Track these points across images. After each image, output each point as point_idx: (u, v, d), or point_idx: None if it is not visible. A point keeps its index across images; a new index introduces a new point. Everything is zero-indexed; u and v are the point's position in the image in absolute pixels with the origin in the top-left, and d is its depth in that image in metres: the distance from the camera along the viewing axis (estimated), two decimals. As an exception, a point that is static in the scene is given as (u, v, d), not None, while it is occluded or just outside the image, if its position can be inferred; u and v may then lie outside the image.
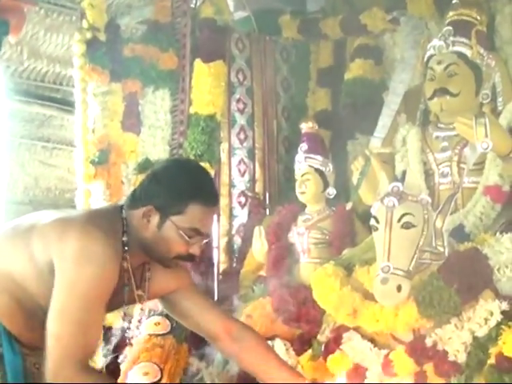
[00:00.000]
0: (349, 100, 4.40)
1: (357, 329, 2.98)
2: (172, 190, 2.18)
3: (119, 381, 3.42)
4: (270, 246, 3.91)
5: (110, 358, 3.68)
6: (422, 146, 3.60)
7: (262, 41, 4.86)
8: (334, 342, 3.03)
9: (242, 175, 4.67)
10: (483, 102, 3.50)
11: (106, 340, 3.72)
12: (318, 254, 3.81)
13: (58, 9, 4.54)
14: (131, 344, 3.57)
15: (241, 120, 4.71)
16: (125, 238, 2.21)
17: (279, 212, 4.04)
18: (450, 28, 3.50)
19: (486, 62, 3.50)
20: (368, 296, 2.90)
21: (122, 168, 4.17)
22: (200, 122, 4.24)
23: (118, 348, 3.66)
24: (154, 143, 4.32)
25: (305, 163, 3.95)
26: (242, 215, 4.60)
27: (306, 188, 3.92)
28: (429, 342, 2.76)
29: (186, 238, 2.19)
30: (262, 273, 3.99)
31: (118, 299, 2.27)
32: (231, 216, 4.58)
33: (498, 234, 3.01)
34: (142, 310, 3.59)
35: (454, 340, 2.72)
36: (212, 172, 4.15)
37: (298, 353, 3.29)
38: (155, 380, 3.34)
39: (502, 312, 2.68)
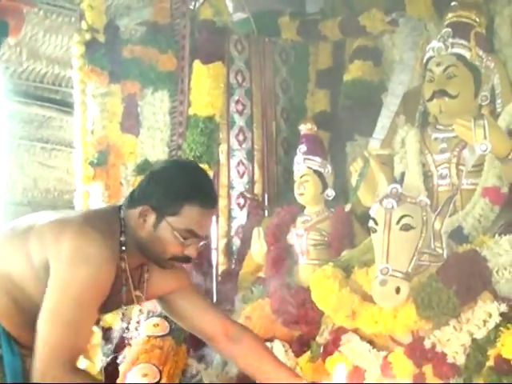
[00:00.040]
0: (348, 101, 4.40)
1: (355, 330, 2.98)
2: (168, 191, 2.18)
3: (118, 381, 3.42)
4: (269, 248, 3.91)
5: (109, 358, 3.68)
6: (420, 148, 3.59)
7: (261, 42, 4.87)
8: (333, 344, 3.03)
9: (241, 176, 4.68)
10: (482, 103, 3.50)
11: (105, 341, 3.73)
12: (317, 255, 3.81)
13: (57, 10, 4.54)
14: (130, 345, 3.57)
15: (240, 121, 4.72)
16: (123, 238, 2.21)
17: (278, 213, 4.04)
18: (449, 30, 3.51)
19: (485, 64, 3.50)
20: (367, 298, 2.90)
21: (120, 169, 4.17)
22: (199, 123, 4.25)
23: (118, 349, 3.66)
24: (153, 144, 4.32)
25: (304, 165, 3.96)
26: (240, 216, 4.61)
27: (305, 189, 3.92)
28: (427, 343, 2.76)
29: (181, 239, 2.19)
30: (261, 274, 3.99)
31: (116, 300, 2.27)
32: (230, 217, 4.59)
33: (496, 235, 3.01)
34: (140, 311, 3.61)
35: (453, 342, 2.72)
36: (211, 173, 4.16)
37: (297, 354, 3.29)
38: (154, 381, 3.34)
39: (501, 314, 2.68)
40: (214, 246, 4.45)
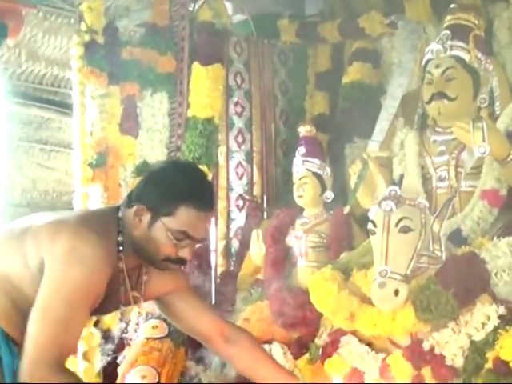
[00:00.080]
0: (347, 104, 4.41)
1: (354, 333, 2.99)
2: (164, 191, 2.17)
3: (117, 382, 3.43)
4: (268, 250, 3.91)
5: (108, 359, 3.69)
6: (419, 150, 3.60)
7: (260, 44, 4.86)
8: (332, 346, 3.04)
9: (240, 178, 4.68)
10: (481, 106, 3.50)
11: (105, 340, 3.73)
12: (316, 257, 3.81)
13: (56, 11, 4.53)
14: (129, 344, 3.58)
15: (239, 123, 4.71)
16: (120, 238, 2.21)
17: (277, 215, 4.04)
18: (448, 32, 3.51)
19: (484, 67, 3.50)
20: (365, 300, 2.91)
21: (119, 171, 4.17)
22: (198, 125, 4.24)
23: (117, 349, 3.67)
24: (152, 146, 4.31)
25: (303, 167, 3.96)
26: (239, 218, 4.60)
27: (304, 191, 3.93)
28: (426, 346, 2.76)
29: (174, 240, 2.17)
30: (260, 276, 3.99)
31: (114, 300, 2.27)
32: (229, 219, 4.59)
33: (495, 238, 3.01)
34: (139, 313, 3.61)
35: (452, 344, 2.72)
36: (210, 175, 4.16)
37: (296, 356, 3.29)
38: (153, 383, 3.35)
39: (499, 316, 2.68)
40: (212, 247, 4.45)
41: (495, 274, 2.82)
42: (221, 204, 4.53)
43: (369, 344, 2.94)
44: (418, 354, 2.76)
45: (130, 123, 4.25)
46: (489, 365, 2.61)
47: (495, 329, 2.66)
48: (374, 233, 2.86)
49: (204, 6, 4.48)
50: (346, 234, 3.75)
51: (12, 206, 5.43)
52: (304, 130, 4.05)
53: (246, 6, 4.86)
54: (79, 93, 4.08)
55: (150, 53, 4.33)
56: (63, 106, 5.09)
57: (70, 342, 2.10)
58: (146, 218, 2.18)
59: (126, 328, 3.69)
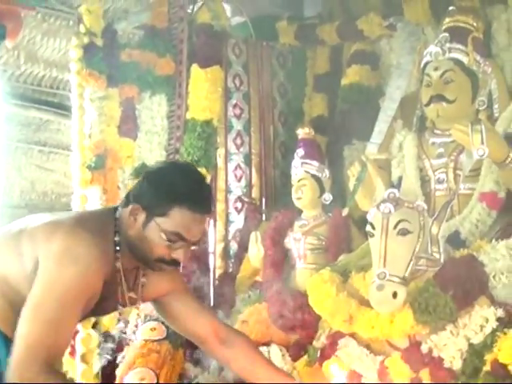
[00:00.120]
0: (345, 106, 4.41)
1: (352, 335, 2.99)
2: (159, 191, 2.16)
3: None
4: (266, 252, 3.91)
5: (108, 357, 3.69)
6: (418, 152, 3.60)
7: (259, 46, 4.86)
8: (330, 348, 3.04)
9: (239, 180, 4.68)
10: (479, 108, 3.51)
11: (104, 340, 3.73)
12: (314, 259, 3.81)
13: (55, 13, 4.52)
14: (128, 344, 3.58)
15: (237, 125, 4.72)
16: (117, 238, 2.21)
17: (275, 217, 4.04)
18: (447, 34, 3.51)
19: (483, 69, 3.51)
20: (364, 302, 2.91)
21: (118, 173, 4.16)
22: (196, 127, 4.24)
23: (117, 349, 3.67)
24: (151, 148, 4.31)
25: (301, 169, 3.96)
26: (238, 220, 4.60)
27: (303, 194, 3.93)
28: (424, 348, 2.76)
29: (166, 241, 2.16)
30: (258, 278, 3.99)
31: (112, 301, 2.27)
32: (227, 221, 4.59)
33: (493, 240, 3.02)
34: (138, 314, 3.61)
35: (450, 347, 2.72)
36: (208, 177, 4.16)
37: (294, 358, 3.29)
38: (151, 385, 3.35)
39: (498, 319, 2.69)
40: (211, 249, 4.45)
41: (493, 277, 2.82)
42: (219, 206, 4.53)
43: (367, 346, 2.94)
44: (416, 356, 2.76)
45: (128, 125, 4.25)
46: (487, 367, 2.61)
47: (493, 331, 2.66)
48: (372, 235, 2.86)
49: (203, 8, 4.48)
50: (345, 237, 3.75)
51: (10, 207, 5.43)
52: (303, 132, 4.05)
53: (244, 8, 4.86)
54: (78, 95, 4.07)
55: (149, 55, 4.32)
56: (62, 108, 5.08)
57: (60, 342, 2.08)
58: (141, 217, 2.17)
59: (124, 328, 3.69)
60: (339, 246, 3.69)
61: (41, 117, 5.31)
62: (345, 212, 3.71)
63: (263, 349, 3.33)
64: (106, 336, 3.74)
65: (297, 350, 3.34)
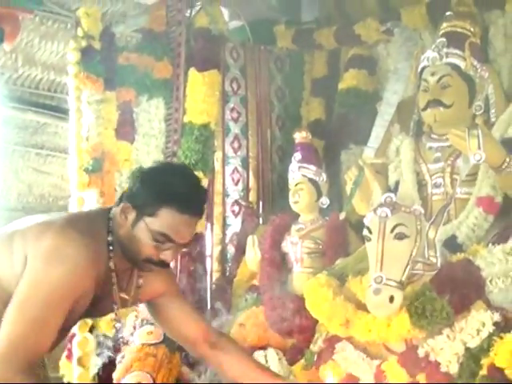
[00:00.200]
0: (342, 110, 4.41)
1: (349, 339, 2.99)
2: (149, 190, 2.14)
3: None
4: (264, 255, 3.91)
5: (109, 354, 3.69)
6: (415, 157, 3.61)
7: (257, 50, 4.87)
8: (327, 352, 3.04)
9: (236, 184, 4.68)
10: (476, 113, 3.52)
11: (103, 339, 3.73)
12: (311, 263, 3.81)
13: (53, 16, 4.53)
14: (127, 344, 3.57)
15: (235, 129, 4.72)
16: (110, 238, 2.19)
17: (273, 221, 4.04)
18: (444, 39, 3.52)
19: (480, 74, 3.52)
20: (361, 306, 2.91)
21: (115, 176, 4.16)
22: (194, 130, 4.24)
23: (115, 349, 3.67)
24: (148, 152, 4.31)
25: (298, 173, 3.96)
26: (235, 224, 4.60)
27: (300, 197, 3.93)
28: (421, 352, 2.77)
29: (153, 241, 2.14)
30: (255, 282, 3.99)
31: (107, 301, 2.26)
32: (225, 225, 4.58)
33: (490, 245, 3.03)
34: (136, 316, 3.61)
35: (446, 351, 2.73)
36: (205, 181, 4.16)
37: (291, 362, 3.29)
38: (148, 389, 3.35)
39: (494, 323, 2.69)
40: (208, 253, 4.45)
41: (490, 281, 2.83)
42: (216, 210, 4.53)
43: (364, 350, 2.95)
44: (412, 360, 2.77)
45: (126, 129, 4.25)
46: (483, 371, 2.61)
47: (490, 335, 2.67)
48: (369, 239, 2.86)
49: (201, 12, 4.49)
50: (342, 241, 3.76)
51: (8, 210, 5.42)
52: (300, 136, 4.06)
53: (242, 12, 4.86)
54: (75, 98, 4.07)
55: (147, 58, 4.33)
56: (59, 111, 5.08)
57: (43, 342, 2.06)
58: (131, 216, 2.16)
59: (121, 329, 3.69)
60: (336, 249, 3.69)
61: (38, 120, 5.31)
62: (342, 216, 3.71)
63: (260, 352, 3.33)
64: (105, 336, 3.74)
65: (294, 354, 3.34)
